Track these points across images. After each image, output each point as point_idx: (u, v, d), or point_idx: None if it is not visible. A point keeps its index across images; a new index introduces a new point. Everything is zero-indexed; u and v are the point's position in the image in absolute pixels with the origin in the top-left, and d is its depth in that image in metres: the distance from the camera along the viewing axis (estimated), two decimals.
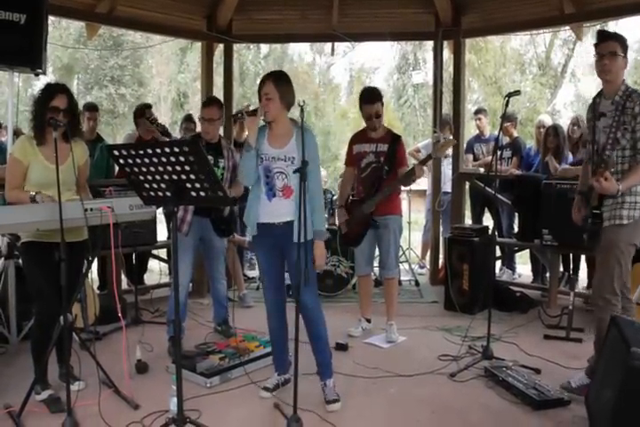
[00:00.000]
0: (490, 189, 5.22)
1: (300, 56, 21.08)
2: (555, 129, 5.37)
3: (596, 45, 3.22)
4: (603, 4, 4.94)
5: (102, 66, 17.66)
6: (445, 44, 5.86)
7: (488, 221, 6.34)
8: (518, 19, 5.45)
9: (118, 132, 17.12)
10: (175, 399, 2.63)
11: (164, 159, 2.49)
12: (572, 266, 5.61)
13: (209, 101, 4.24)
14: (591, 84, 18.27)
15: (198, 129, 4.63)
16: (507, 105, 3.73)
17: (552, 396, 3.15)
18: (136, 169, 2.60)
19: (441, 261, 6.00)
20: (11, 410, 2.97)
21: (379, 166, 4.22)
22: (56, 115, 3.04)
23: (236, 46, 6.26)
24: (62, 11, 4.97)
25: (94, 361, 3.24)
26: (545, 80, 17.90)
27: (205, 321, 4.63)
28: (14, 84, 4.30)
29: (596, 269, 3.29)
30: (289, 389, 2.91)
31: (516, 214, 5.89)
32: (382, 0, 5.77)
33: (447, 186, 6.06)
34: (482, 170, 6.09)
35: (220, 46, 5.94)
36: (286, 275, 3.41)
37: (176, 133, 6.24)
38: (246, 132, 6.18)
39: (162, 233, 5.38)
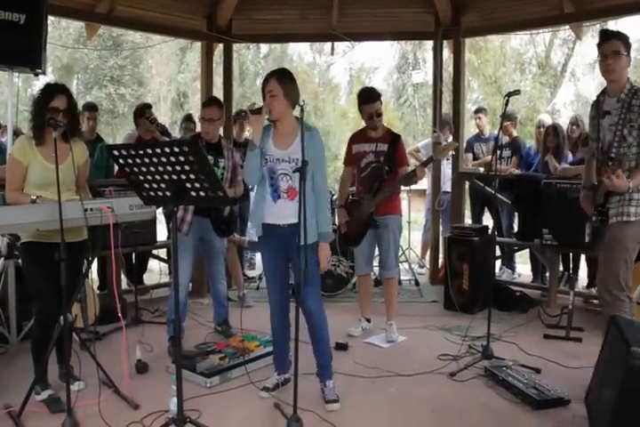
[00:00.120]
0: (490, 189, 5.22)
1: (299, 56, 21.08)
2: (554, 128, 5.37)
3: (598, 45, 3.21)
4: (602, 3, 4.93)
5: (102, 66, 17.65)
6: (445, 43, 5.86)
7: (488, 220, 6.34)
8: (518, 18, 5.45)
9: (118, 132, 17.11)
10: (175, 399, 2.63)
11: (163, 159, 2.49)
12: (571, 265, 5.61)
13: (209, 101, 4.24)
14: (591, 84, 18.31)
15: (198, 129, 4.63)
16: (506, 104, 3.73)
17: (552, 395, 3.14)
18: (136, 169, 2.60)
19: (441, 260, 6.00)
20: (11, 410, 2.97)
21: (378, 166, 4.22)
22: (56, 115, 3.03)
23: (235, 46, 6.25)
24: (62, 11, 4.96)
25: (94, 361, 3.24)
26: (545, 79, 17.89)
27: (205, 321, 4.63)
28: (14, 84, 4.30)
29: (601, 266, 3.29)
30: (289, 388, 2.91)
31: (516, 214, 5.89)
32: (382, 0, 5.77)
33: (447, 185, 6.06)
34: (481, 169, 6.09)
35: (220, 46, 5.94)
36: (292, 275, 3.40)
37: (176, 133, 6.24)
38: (246, 133, 6.27)
39: (162, 233, 5.39)
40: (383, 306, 4.48)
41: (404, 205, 5.17)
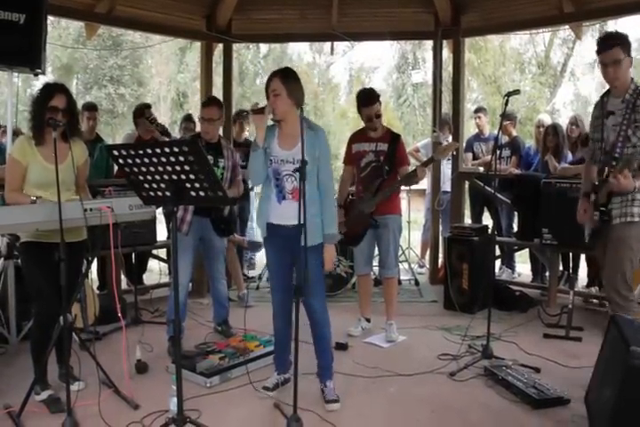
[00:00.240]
0: (489, 189, 5.22)
1: (299, 56, 21.09)
2: (554, 128, 5.37)
3: (598, 53, 3.20)
4: (602, 3, 4.93)
5: (101, 66, 17.66)
6: (445, 43, 5.86)
7: (487, 220, 6.34)
8: (518, 18, 5.45)
9: (117, 132, 17.12)
10: (175, 399, 2.64)
11: (163, 159, 2.49)
12: (571, 265, 5.61)
13: (208, 101, 4.24)
14: (590, 84, 18.34)
15: (198, 129, 4.63)
16: (506, 104, 3.73)
17: (552, 395, 3.15)
18: (135, 169, 2.60)
19: (440, 260, 6.00)
20: (10, 410, 2.97)
21: (378, 166, 4.22)
22: (55, 114, 3.03)
23: (235, 46, 6.25)
24: (61, 11, 4.96)
25: (94, 361, 3.24)
26: (544, 79, 17.90)
27: (205, 321, 4.63)
28: (13, 84, 4.30)
29: (607, 267, 3.29)
30: (288, 388, 2.92)
31: (516, 213, 5.89)
32: (381, 0, 5.77)
33: (447, 185, 6.07)
34: (481, 169, 6.09)
35: (220, 46, 5.94)
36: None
37: (175, 133, 6.24)
38: (245, 133, 6.26)
39: (161, 233, 5.38)
40: (383, 306, 4.48)
41: (403, 204, 5.17)
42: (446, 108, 6.27)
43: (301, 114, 2.97)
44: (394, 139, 4.28)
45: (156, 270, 5.88)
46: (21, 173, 3.11)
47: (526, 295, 5.21)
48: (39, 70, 4.17)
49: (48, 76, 11.24)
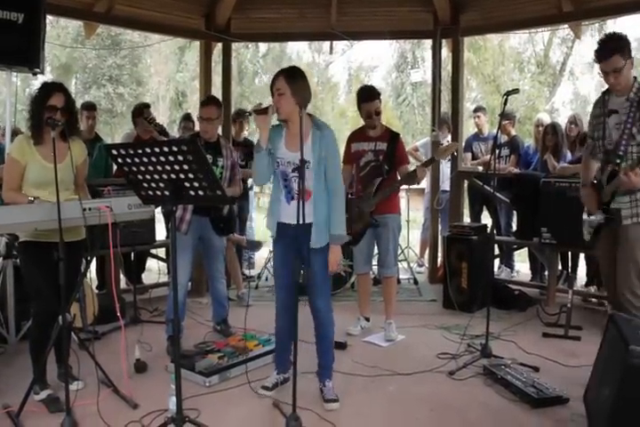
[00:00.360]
0: (488, 188, 5.22)
1: (298, 55, 21.08)
2: (553, 127, 5.38)
3: (597, 61, 3.19)
4: (601, 2, 4.93)
5: (100, 65, 17.65)
6: (444, 42, 5.86)
7: (487, 219, 6.34)
8: (517, 17, 5.45)
9: (117, 131, 17.12)
10: (174, 398, 2.64)
11: (162, 158, 2.49)
12: (570, 264, 5.61)
13: (207, 101, 4.24)
14: (590, 83, 18.35)
15: (197, 128, 4.63)
16: (505, 103, 3.73)
17: (551, 394, 3.15)
18: (134, 168, 2.60)
19: (439, 259, 6.01)
20: (9, 410, 2.96)
21: (378, 165, 4.22)
22: (53, 114, 3.02)
23: (234, 45, 6.25)
24: (60, 10, 4.95)
25: (93, 361, 3.24)
26: (543, 78, 17.91)
27: (204, 320, 4.62)
28: (12, 84, 4.29)
29: (619, 267, 3.27)
30: (287, 387, 2.92)
31: (515, 213, 5.90)
32: None
33: (446, 184, 6.07)
34: (480, 168, 6.09)
35: (219, 45, 5.93)
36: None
37: (174, 133, 6.24)
38: (245, 132, 6.25)
39: (160, 232, 5.38)
40: (382, 305, 4.48)
41: (402, 203, 5.17)
42: (445, 107, 6.28)
43: (300, 113, 2.94)
44: (393, 138, 4.27)
45: (155, 270, 5.88)
46: (20, 172, 3.11)
47: (525, 294, 5.22)
48: (38, 70, 4.16)
49: (47, 76, 11.23)
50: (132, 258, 5.16)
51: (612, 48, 3.13)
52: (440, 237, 6.00)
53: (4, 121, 4.34)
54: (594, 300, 5.20)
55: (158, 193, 2.66)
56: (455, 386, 3.43)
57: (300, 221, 2.84)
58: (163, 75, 18.68)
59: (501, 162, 5.94)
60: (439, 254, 6.03)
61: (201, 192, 2.57)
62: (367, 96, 4.25)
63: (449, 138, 6.04)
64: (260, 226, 7.72)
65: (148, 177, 2.60)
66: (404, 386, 3.44)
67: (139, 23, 5.58)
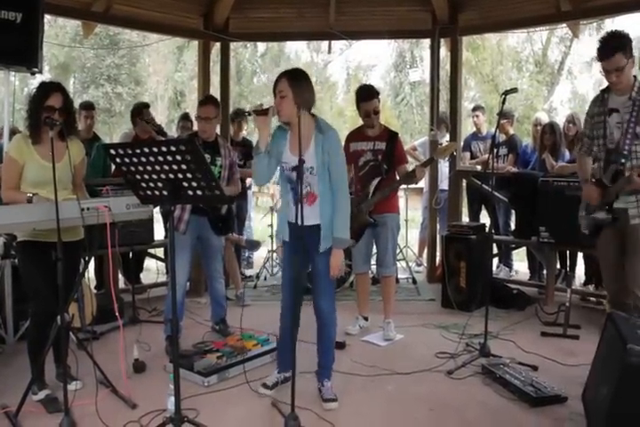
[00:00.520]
0: (487, 187, 5.22)
1: (296, 54, 21.06)
2: (551, 126, 5.38)
3: (599, 60, 3.16)
4: (599, 1, 4.93)
5: (99, 64, 17.62)
6: (442, 41, 5.86)
7: (485, 218, 6.35)
8: (515, 16, 5.45)
9: (115, 131, 17.10)
10: (173, 398, 2.63)
11: (160, 158, 2.49)
12: (568, 263, 5.62)
13: (205, 100, 4.24)
14: (588, 82, 18.35)
15: (195, 128, 4.63)
16: (503, 102, 3.73)
17: (549, 393, 3.15)
18: (133, 168, 2.59)
19: (438, 258, 6.01)
20: (8, 410, 2.96)
21: (377, 164, 4.22)
22: (51, 114, 3.02)
23: (232, 45, 6.26)
24: (58, 9, 4.94)
25: (91, 361, 3.23)
26: (542, 77, 17.92)
27: (203, 320, 4.62)
28: (10, 84, 4.28)
29: (629, 266, 3.25)
30: (286, 387, 2.92)
31: (513, 212, 5.90)
32: None
33: (444, 184, 6.07)
34: (479, 168, 6.10)
35: (217, 45, 5.93)
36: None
37: (173, 132, 6.24)
38: (243, 132, 6.25)
39: (159, 232, 5.38)
40: (381, 304, 4.48)
41: (401, 203, 5.17)
42: (444, 106, 6.27)
43: (299, 113, 2.92)
44: (392, 137, 4.27)
45: (153, 270, 5.87)
46: (18, 171, 3.10)
47: (524, 293, 5.22)
48: (36, 69, 4.15)
49: (45, 75, 11.20)
50: (131, 258, 5.16)
51: (615, 46, 3.10)
52: (439, 237, 5.99)
53: (2, 121, 4.32)
54: (592, 299, 5.20)
55: (156, 193, 2.66)
56: (454, 385, 3.43)
57: (300, 223, 2.83)
58: (161, 74, 18.66)
59: (499, 161, 5.94)
60: (438, 254, 6.02)
61: (199, 192, 2.56)
62: (366, 95, 4.25)
63: (447, 137, 6.04)
64: (258, 226, 7.73)
65: (146, 177, 2.60)
66: (402, 385, 3.44)
67: (137, 23, 5.57)
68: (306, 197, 3.11)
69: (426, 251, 6.47)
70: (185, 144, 2.44)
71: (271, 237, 6.51)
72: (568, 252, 5.55)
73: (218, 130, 4.50)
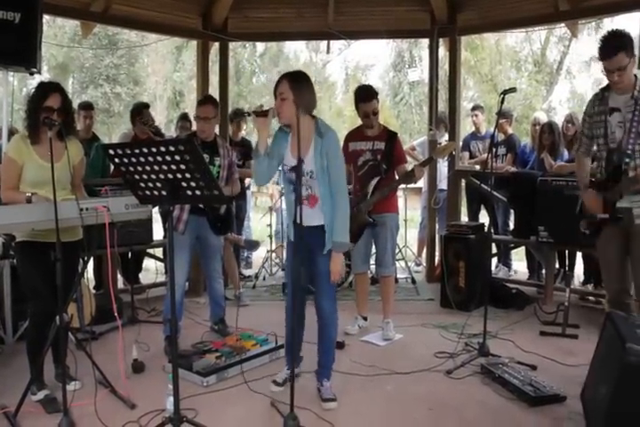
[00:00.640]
0: (486, 187, 5.22)
1: (295, 54, 21.09)
2: (550, 126, 5.38)
3: (601, 59, 3.13)
4: (597, 1, 4.93)
5: (97, 65, 17.62)
6: (441, 41, 5.86)
7: (485, 218, 6.35)
8: (514, 16, 5.45)
9: (114, 131, 17.11)
10: (172, 398, 2.63)
11: (159, 158, 2.49)
12: (567, 262, 5.62)
13: (204, 100, 4.23)
14: (586, 81, 18.36)
15: (194, 128, 4.62)
16: (502, 102, 3.73)
17: (548, 392, 3.15)
18: (131, 168, 2.59)
19: (437, 258, 6.01)
20: (7, 410, 2.96)
21: (376, 164, 4.22)
22: (50, 114, 3.02)
23: (231, 45, 6.25)
24: (57, 9, 4.94)
25: (90, 361, 3.23)
26: (540, 77, 17.94)
27: (202, 320, 4.62)
28: (9, 84, 4.28)
29: (634, 265, 3.24)
30: (285, 387, 2.91)
31: (512, 211, 5.90)
32: None
33: (443, 183, 6.07)
34: (478, 167, 6.10)
35: (216, 45, 5.92)
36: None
37: (172, 132, 6.23)
38: (242, 132, 6.25)
39: (158, 232, 5.37)
40: (380, 304, 4.48)
41: (400, 202, 5.17)
42: (443, 106, 6.28)
43: (297, 113, 2.92)
44: (391, 137, 4.28)
45: (152, 270, 5.87)
46: (17, 171, 3.10)
47: (522, 293, 5.23)
48: (35, 69, 4.15)
49: (44, 75, 11.18)
50: (130, 258, 5.16)
51: (617, 46, 3.07)
52: (437, 236, 5.99)
53: (1, 121, 4.32)
54: (591, 298, 5.21)
55: (155, 193, 2.65)
56: (453, 385, 3.44)
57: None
58: (160, 74, 18.66)
59: (498, 161, 5.94)
60: (437, 253, 6.02)
61: (198, 192, 2.56)
62: (364, 96, 4.25)
63: (446, 137, 6.04)
64: (257, 226, 7.73)
65: (145, 177, 2.60)
66: (401, 385, 3.44)
67: (136, 23, 5.57)
68: (308, 199, 3.12)
69: (425, 251, 6.46)
70: (184, 144, 2.44)
71: (270, 237, 6.51)
72: (567, 251, 5.55)
73: (217, 130, 4.50)
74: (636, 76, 3.19)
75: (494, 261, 6.20)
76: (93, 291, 4.92)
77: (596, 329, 3.27)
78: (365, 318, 4.52)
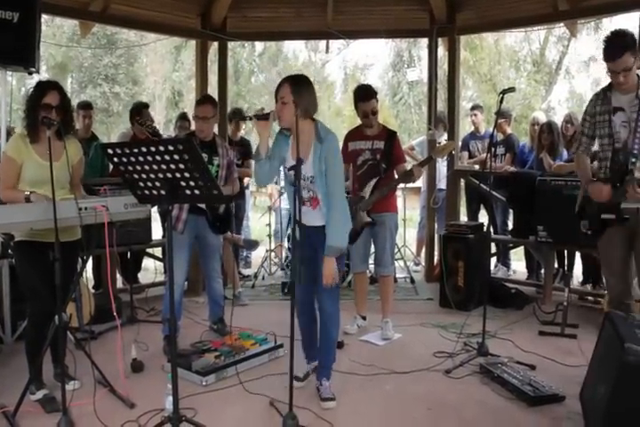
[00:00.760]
0: (485, 186, 5.22)
1: (294, 54, 21.06)
2: (549, 126, 5.38)
3: (606, 61, 3.11)
4: (596, 0, 4.94)
5: (96, 64, 17.59)
6: (440, 41, 5.86)
7: (484, 217, 6.35)
8: (513, 16, 5.45)
9: (113, 130, 17.08)
10: (171, 398, 2.63)
11: (158, 158, 2.49)
12: (566, 262, 5.62)
13: (202, 100, 4.24)
14: (585, 81, 18.38)
15: (193, 127, 4.62)
16: (501, 102, 3.73)
17: (547, 392, 3.15)
18: (130, 168, 2.59)
19: (436, 258, 6.01)
20: (5, 410, 2.96)
21: (375, 164, 4.23)
22: (48, 112, 3.02)
23: (230, 44, 6.24)
24: (56, 9, 4.93)
25: (89, 360, 3.23)
26: (539, 77, 17.94)
27: (201, 319, 4.62)
28: (7, 83, 4.27)
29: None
30: (285, 386, 2.91)
31: (511, 211, 5.90)
32: None
33: (442, 183, 6.08)
34: (477, 167, 6.10)
35: (215, 44, 5.92)
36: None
37: (171, 132, 6.22)
38: (241, 131, 6.24)
39: (157, 231, 5.37)
40: (379, 304, 4.48)
41: (399, 202, 5.17)
42: (442, 106, 6.28)
43: (297, 113, 2.92)
44: (390, 136, 4.28)
45: (151, 269, 5.87)
46: (16, 171, 3.10)
47: (522, 293, 5.23)
48: (33, 69, 4.14)
49: (42, 75, 11.20)
50: (129, 257, 5.16)
51: (623, 46, 3.04)
52: (436, 236, 6.00)
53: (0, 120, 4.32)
54: (590, 298, 5.21)
55: (154, 192, 2.65)
56: (452, 384, 3.44)
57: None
58: (159, 74, 18.64)
59: (497, 160, 5.95)
60: (436, 253, 6.03)
61: (197, 191, 2.56)
62: (364, 96, 4.25)
63: (445, 136, 6.04)
64: (256, 225, 7.73)
65: (143, 176, 2.60)
66: (400, 385, 3.44)
67: (134, 22, 5.56)
68: (310, 201, 3.14)
69: (424, 250, 6.47)
70: (182, 143, 2.44)
71: (269, 236, 6.51)
72: (566, 251, 5.55)
73: (216, 129, 4.50)
74: (638, 75, 3.18)
75: (493, 260, 6.20)
76: (92, 290, 4.92)
77: (595, 329, 3.27)
78: (364, 318, 4.52)
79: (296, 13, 5.90)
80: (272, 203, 6.88)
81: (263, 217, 6.86)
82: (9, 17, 3.91)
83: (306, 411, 3.02)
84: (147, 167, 2.55)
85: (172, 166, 2.49)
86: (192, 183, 2.53)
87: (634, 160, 3.07)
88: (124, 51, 17.35)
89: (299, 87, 3.00)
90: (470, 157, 6.36)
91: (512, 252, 6.32)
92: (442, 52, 6.00)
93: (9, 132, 4.31)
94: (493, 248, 5.99)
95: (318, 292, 3.23)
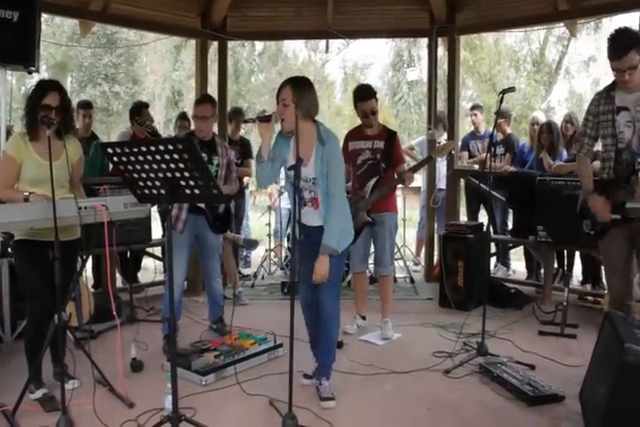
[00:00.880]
0: (484, 186, 5.22)
1: (294, 53, 21.04)
2: (549, 126, 5.38)
3: (611, 59, 3.06)
4: (596, 0, 4.94)
5: (96, 64, 17.58)
6: (440, 40, 5.86)
7: (484, 217, 6.35)
8: (512, 15, 5.45)
9: (112, 130, 17.08)
10: (170, 397, 2.63)
11: (158, 157, 2.49)
12: (566, 262, 5.63)
13: (202, 99, 4.24)
14: (585, 81, 18.38)
15: (192, 127, 4.62)
16: (501, 102, 3.72)
17: (546, 392, 3.15)
18: (130, 167, 2.59)
19: (436, 257, 6.01)
20: (5, 409, 2.95)
21: (375, 163, 4.23)
22: (48, 112, 3.02)
23: (230, 44, 6.24)
24: (55, 8, 4.93)
25: (89, 360, 3.23)
26: (539, 77, 17.93)
27: (200, 319, 4.62)
28: (7, 82, 4.27)
29: None
30: (284, 386, 2.91)
31: (511, 211, 5.90)
32: None
33: (442, 183, 6.08)
34: (476, 167, 6.10)
35: (215, 44, 5.92)
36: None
37: (170, 131, 6.22)
38: (241, 131, 6.24)
39: (156, 231, 5.37)
40: (378, 303, 4.48)
41: (399, 202, 5.17)
42: (441, 105, 6.28)
43: (297, 112, 2.93)
44: (390, 136, 4.28)
45: (151, 268, 5.87)
46: (16, 170, 3.09)
47: (521, 293, 5.23)
48: (33, 68, 4.14)
49: (42, 74, 11.20)
50: (128, 257, 5.16)
51: (628, 44, 3.00)
52: (436, 236, 6.00)
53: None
54: (590, 298, 5.21)
55: (154, 192, 2.65)
56: (451, 384, 3.44)
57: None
58: (158, 73, 18.63)
59: (497, 160, 5.95)
60: (435, 253, 6.03)
61: (197, 191, 2.56)
62: (363, 96, 4.25)
63: (445, 136, 6.05)
64: (256, 225, 7.72)
65: (143, 176, 2.60)
66: (400, 384, 3.44)
67: (134, 22, 5.56)
68: (312, 202, 3.15)
69: (423, 250, 6.47)
70: (182, 143, 2.44)
71: (269, 236, 6.51)
72: (565, 251, 5.55)
73: (215, 129, 4.50)
74: None
75: (493, 260, 6.20)
76: (92, 290, 4.92)
77: (595, 329, 3.28)
78: (364, 318, 4.53)
79: (296, 13, 5.90)
80: (272, 202, 6.89)
81: (263, 217, 6.86)
82: (9, 16, 3.91)
83: (305, 411, 3.02)
84: (146, 167, 2.55)
85: (172, 166, 2.49)
86: (192, 183, 2.53)
87: (639, 160, 3.05)
88: (124, 50, 17.34)
89: (300, 89, 3.01)
90: (470, 156, 6.36)
91: (512, 252, 6.32)
92: (442, 51, 6.00)
93: (8, 131, 4.31)
94: (493, 248, 6.00)
95: (320, 291, 3.23)
